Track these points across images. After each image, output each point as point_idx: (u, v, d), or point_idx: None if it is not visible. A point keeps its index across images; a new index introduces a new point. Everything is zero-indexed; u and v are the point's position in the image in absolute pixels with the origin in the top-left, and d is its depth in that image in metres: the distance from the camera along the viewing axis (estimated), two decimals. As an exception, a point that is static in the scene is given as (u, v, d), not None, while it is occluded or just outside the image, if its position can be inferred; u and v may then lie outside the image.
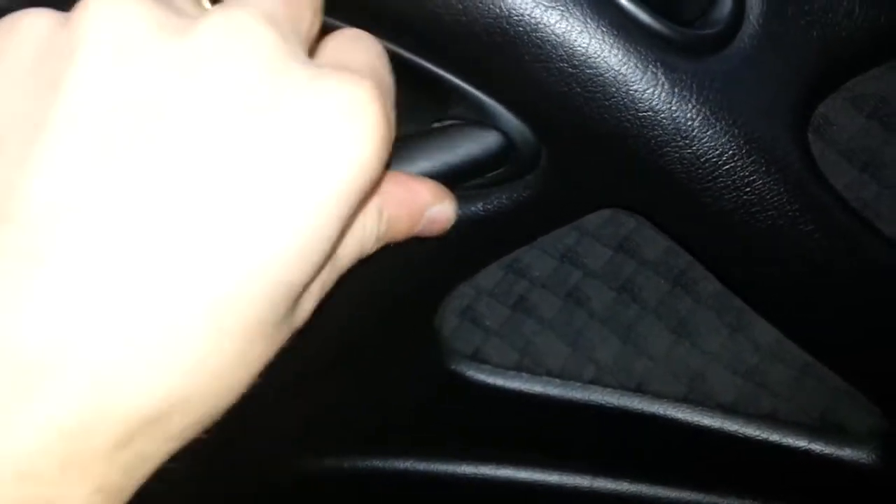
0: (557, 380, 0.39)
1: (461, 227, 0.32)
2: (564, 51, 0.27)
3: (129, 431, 0.18)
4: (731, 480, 0.42)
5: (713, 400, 0.38)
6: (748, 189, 0.29)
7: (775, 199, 0.29)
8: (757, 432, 0.38)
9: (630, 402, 0.39)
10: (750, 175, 0.29)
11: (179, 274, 0.18)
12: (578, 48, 0.27)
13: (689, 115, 0.28)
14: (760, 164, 0.29)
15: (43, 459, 0.17)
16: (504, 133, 0.30)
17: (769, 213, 0.30)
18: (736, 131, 0.28)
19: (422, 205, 0.26)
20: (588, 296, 0.38)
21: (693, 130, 0.28)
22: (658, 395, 0.39)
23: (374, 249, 0.24)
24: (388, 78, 0.23)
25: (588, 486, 0.44)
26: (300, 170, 0.19)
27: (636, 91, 0.27)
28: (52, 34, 0.20)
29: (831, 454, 0.38)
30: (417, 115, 0.30)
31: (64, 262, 0.17)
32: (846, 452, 0.38)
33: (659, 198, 0.31)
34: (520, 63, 0.27)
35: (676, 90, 0.28)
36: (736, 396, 0.38)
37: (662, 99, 0.28)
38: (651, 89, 0.27)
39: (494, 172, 0.31)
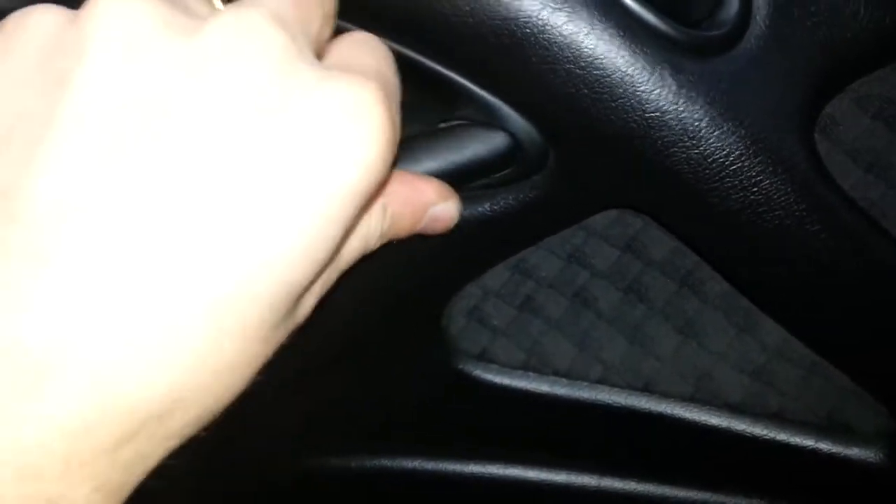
0: (564, 379, 0.39)
1: (468, 227, 0.32)
2: (571, 52, 0.27)
3: (129, 430, 0.18)
4: (738, 480, 0.42)
5: (720, 399, 0.38)
6: (755, 189, 0.29)
7: (782, 199, 0.30)
8: (764, 432, 0.38)
9: (637, 401, 0.39)
10: (757, 175, 0.29)
11: (182, 273, 0.18)
12: (585, 49, 0.27)
13: (696, 115, 0.28)
14: (767, 164, 0.29)
15: (44, 458, 0.17)
16: (511, 134, 0.30)
17: (776, 213, 0.30)
18: (743, 132, 0.28)
19: (425, 203, 0.26)
20: (595, 296, 0.38)
21: (700, 131, 0.28)
22: (665, 395, 0.39)
23: (377, 246, 0.24)
24: (394, 80, 0.23)
25: (595, 485, 0.44)
26: (305, 171, 0.19)
27: (643, 92, 0.28)
28: (59, 31, 0.20)
29: (838, 453, 0.38)
30: (425, 115, 0.31)
31: (68, 262, 0.17)
32: (853, 452, 0.38)
33: (666, 198, 0.31)
34: (527, 64, 0.28)
35: (683, 91, 0.28)
36: (743, 396, 0.38)
37: (669, 100, 0.28)
38: (658, 90, 0.28)
39: (501, 173, 0.31)
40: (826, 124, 0.32)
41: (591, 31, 0.27)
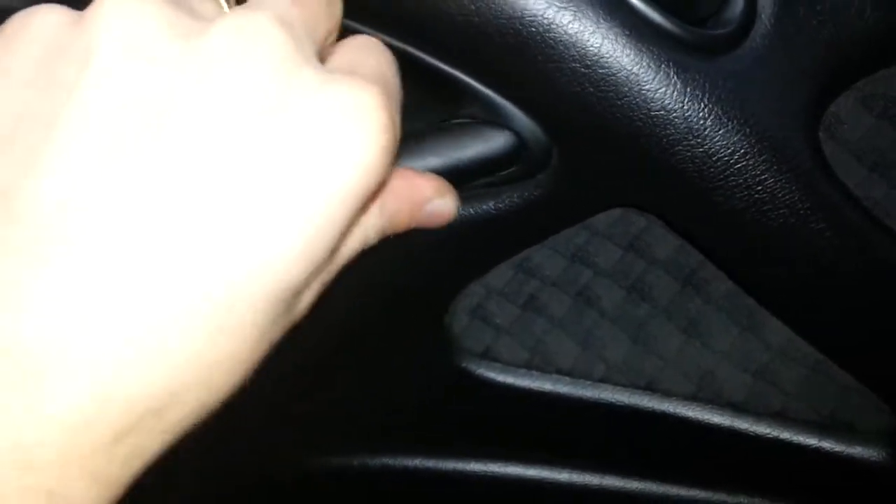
0: (567, 378, 0.39)
1: (472, 225, 0.32)
2: (577, 51, 0.27)
3: (127, 425, 0.18)
4: (741, 479, 0.42)
5: (723, 398, 0.38)
6: (759, 187, 0.29)
7: (786, 197, 0.30)
8: (767, 430, 0.39)
9: (640, 400, 0.39)
10: (761, 174, 0.29)
11: (180, 272, 0.18)
12: (591, 48, 0.27)
13: (701, 114, 0.28)
14: (772, 162, 0.29)
15: (44, 452, 0.17)
16: (516, 132, 0.30)
17: (780, 211, 0.30)
18: (748, 130, 0.28)
19: (423, 198, 0.26)
20: (598, 295, 0.38)
21: (705, 129, 0.28)
22: (668, 394, 0.39)
23: (375, 241, 0.25)
24: (396, 84, 0.23)
25: (597, 484, 0.44)
26: (305, 172, 0.19)
27: (648, 90, 0.28)
28: (63, 32, 0.20)
29: (841, 452, 0.38)
30: (430, 113, 0.31)
31: (69, 262, 0.18)
32: (856, 451, 0.38)
33: (670, 197, 0.31)
34: (532, 63, 0.28)
35: (688, 89, 0.28)
36: (746, 395, 0.38)
37: (674, 98, 0.28)
38: (663, 89, 0.28)
39: (506, 171, 0.31)
40: (831, 123, 0.32)
41: (597, 30, 0.27)
